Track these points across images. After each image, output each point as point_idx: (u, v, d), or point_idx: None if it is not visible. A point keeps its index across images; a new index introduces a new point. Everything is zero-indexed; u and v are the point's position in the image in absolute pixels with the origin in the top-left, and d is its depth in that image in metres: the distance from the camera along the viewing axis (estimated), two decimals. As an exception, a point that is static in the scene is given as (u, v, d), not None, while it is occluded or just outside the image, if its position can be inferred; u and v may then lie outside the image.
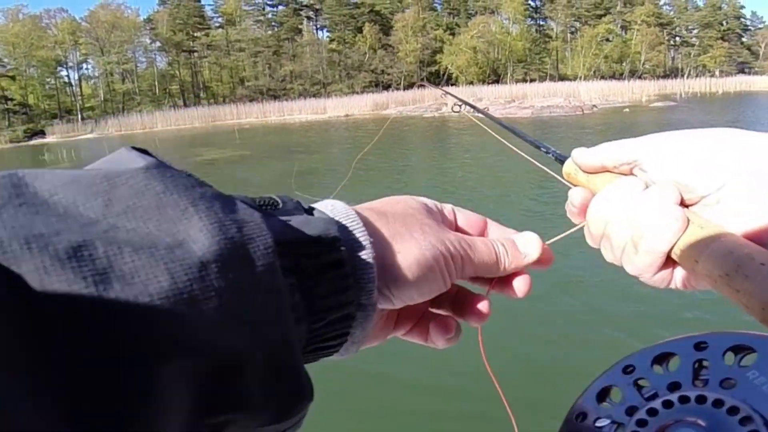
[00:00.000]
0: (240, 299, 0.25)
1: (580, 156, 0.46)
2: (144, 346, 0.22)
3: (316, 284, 0.30)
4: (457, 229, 0.41)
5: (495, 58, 51.17)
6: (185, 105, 46.58)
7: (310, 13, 55.79)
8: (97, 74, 49.54)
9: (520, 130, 0.59)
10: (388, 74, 50.29)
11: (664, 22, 54.43)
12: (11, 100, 42.11)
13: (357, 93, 45.27)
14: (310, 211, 0.33)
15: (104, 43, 46.44)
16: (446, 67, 49.57)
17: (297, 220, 0.31)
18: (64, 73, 48.43)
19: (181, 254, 0.24)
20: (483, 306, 0.40)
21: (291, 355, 0.28)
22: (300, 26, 54.72)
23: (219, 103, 46.72)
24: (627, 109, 28.02)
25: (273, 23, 54.75)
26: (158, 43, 50.09)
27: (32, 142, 36.47)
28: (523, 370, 3.87)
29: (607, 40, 52.54)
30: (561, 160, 0.50)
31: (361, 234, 0.32)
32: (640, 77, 46.95)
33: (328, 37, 56.44)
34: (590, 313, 4.95)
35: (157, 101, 46.87)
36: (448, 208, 0.41)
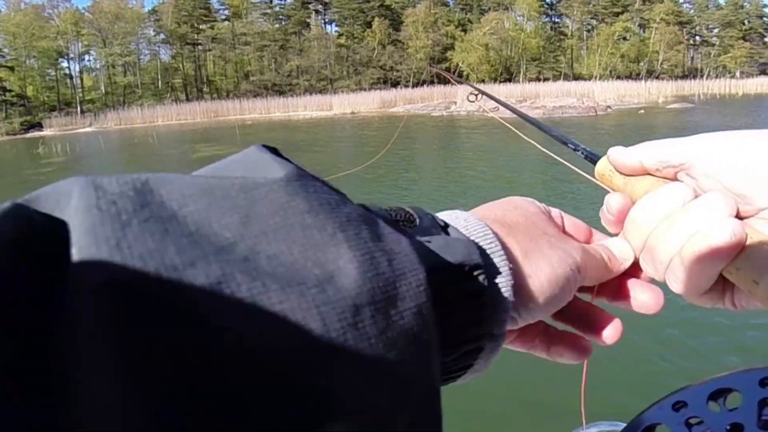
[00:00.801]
0: (392, 349, 0.22)
1: (618, 155, 0.43)
2: (299, 406, 0.19)
3: (453, 315, 0.28)
4: (564, 231, 0.39)
5: (508, 56, 50.48)
6: (188, 99, 46.27)
7: (319, 7, 55.29)
8: (98, 66, 49.33)
9: (545, 124, 0.56)
10: (397, 71, 49.74)
11: (683, 21, 53.51)
12: (9, 91, 41.82)
13: (364, 90, 44.79)
14: (445, 228, 0.31)
15: (107, 35, 46.14)
16: (457, 65, 48.92)
17: (437, 243, 0.28)
18: (65, 64, 48.27)
19: (333, 293, 0.21)
20: (617, 325, 0.38)
21: (435, 405, 0.25)
22: (308, 20, 54.25)
23: (222, 97, 46.39)
24: (642, 111, 27.41)
25: (280, 16, 54.32)
26: (162, 36, 49.78)
27: (29, 134, 36.17)
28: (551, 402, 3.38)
29: (624, 38, 51.74)
30: (593, 159, 0.46)
31: (499, 259, 0.30)
32: (657, 77, 46.19)
33: (336, 31, 55.98)
34: (631, 337, 4.36)
35: (159, 95, 46.58)
36: (555, 213, 0.40)
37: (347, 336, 0.21)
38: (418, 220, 0.30)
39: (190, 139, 25.68)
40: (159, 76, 48.19)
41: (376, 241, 0.24)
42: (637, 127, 20.35)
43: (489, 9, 53.57)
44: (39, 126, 38.42)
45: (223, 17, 54.09)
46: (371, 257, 0.23)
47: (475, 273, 0.28)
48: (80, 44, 47.96)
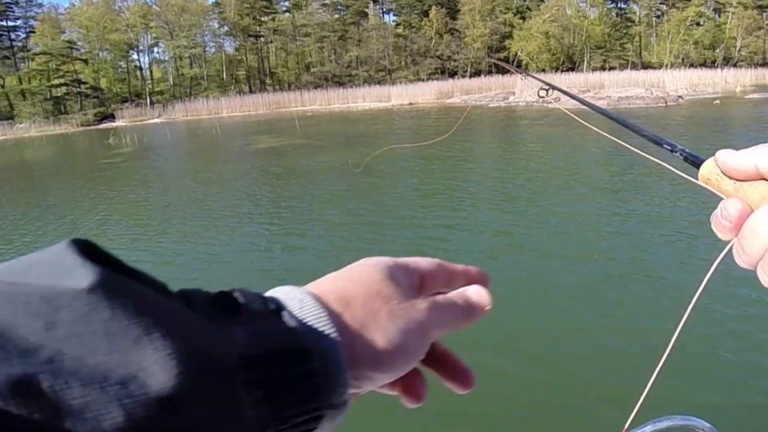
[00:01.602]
0: None
1: (729, 159, 0.41)
2: None
3: (285, 394, 0.29)
4: (422, 285, 0.39)
5: (570, 44, 49.23)
6: (251, 91, 47.61)
7: (377, -4, 55.54)
8: (166, 58, 51.39)
9: (633, 123, 0.52)
10: (455, 60, 49.44)
11: (763, 4, 50.47)
12: (84, 83, 44.24)
13: (422, 80, 44.78)
14: (277, 311, 0.31)
15: (173, 27, 47.96)
16: (516, 54, 48.13)
17: (264, 328, 0.29)
18: (135, 56, 50.56)
19: (135, 389, 0.23)
20: (469, 377, 0.40)
21: None
22: (366, 9, 54.59)
23: (284, 89, 47.44)
24: (718, 101, 26.20)
25: (339, 6, 54.89)
26: (226, 28, 51.29)
27: (102, 125, 38.27)
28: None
29: (698, 24, 49.43)
30: (695, 162, 0.44)
31: (332, 339, 0.31)
32: (734, 65, 43.88)
33: (394, 21, 56.08)
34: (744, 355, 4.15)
35: (223, 87, 48.10)
36: (409, 268, 0.39)
37: (150, 425, 0.23)
38: (244, 304, 0.30)
39: (252, 131, 26.48)
40: (224, 68, 49.73)
41: (185, 339, 0.25)
42: (713, 119, 19.45)
43: (550, -5, 52.28)
44: (111, 117, 40.56)
45: (284, 9, 55.18)
46: (178, 355, 0.24)
47: (307, 354, 0.29)
48: (149, 36, 50.15)
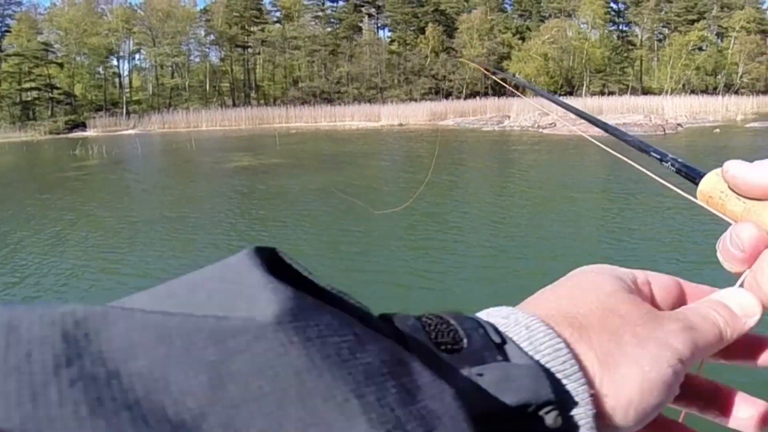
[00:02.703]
0: None
1: (742, 172, 0.34)
2: None
3: None
4: (654, 304, 0.32)
5: (569, 67, 49.22)
6: (234, 104, 47.08)
7: (372, 10, 55.46)
8: (147, 66, 50.84)
9: (615, 127, 0.49)
10: (450, 80, 49.21)
11: (767, 29, 50.87)
12: (56, 88, 43.47)
13: (415, 100, 44.48)
14: (501, 346, 0.25)
15: (157, 33, 47.46)
16: (513, 75, 47.94)
17: (492, 376, 0.23)
18: (114, 62, 49.95)
19: None
20: (753, 407, 0.32)
21: None
22: (360, 23, 54.50)
23: (269, 104, 46.95)
24: (717, 130, 25.99)
25: (332, 20, 54.76)
26: (212, 36, 50.90)
27: (72, 134, 37.37)
28: None
29: (700, 48, 49.66)
30: (692, 175, 0.39)
31: (577, 384, 0.25)
32: (736, 92, 43.96)
33: (388, 37, 56.00)
34: None
35: (205, 99, 47.55)
36: (641, 279, 0.33)
37: None
38: (465, 340, 0.24)
39: (229, 147, 25.86)
40: (207, 79, 49.21)
41: (407, 404, 0.18)
42: (712, 148, 19.13)
43: (549, 16, 52.49)
44: (83, 126, 39.72)
45: (275, 19, 54.94)
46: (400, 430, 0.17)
47: (544, 411, 0.23)
48: (131, 42, 49.59)
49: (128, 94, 47.84)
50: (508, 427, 0.22)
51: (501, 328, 0.25)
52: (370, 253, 8.38)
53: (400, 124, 36.19)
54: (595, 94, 43.99)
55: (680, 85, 46.62)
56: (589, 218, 10.28)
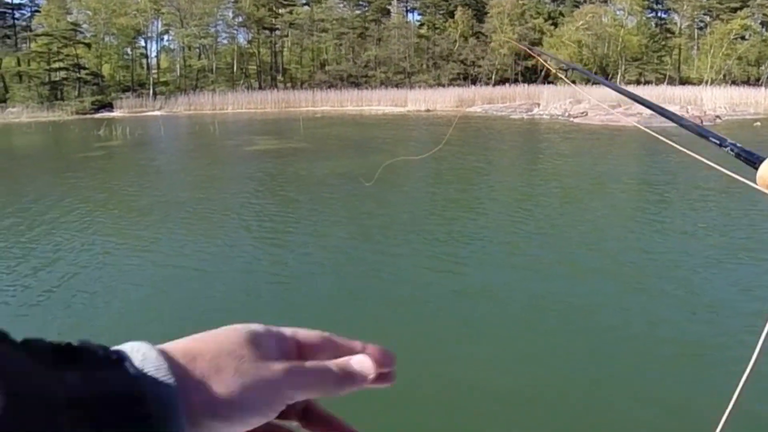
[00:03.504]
0: None
1: None
2: None
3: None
4: (300, 354, 0.41)
5: (603, 55, 48.26)
6: (260, 87, 47.25)
7: (401, -8, 55.05)
8: (174, 47, 51.27)
9: (672, 112, 0.47)
10: (479, 66, 48.68)
11: (815, 20, 49.20)
12: (84, 69, 44.12)
13: (442, 86, 44.14)
14: (118, 361, 0.33)
15: (185, 14, 47.76)
16: (545, 62, 47.16)
17: (99, 374, 0.30)
18: (142, 43, 50.44)
19: None
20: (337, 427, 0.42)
21: None
22: (389, 6, 54.12)
23: (296, 87, 47.04)
24: (758, 123, 25.28)
25: (360, 2, 54.45)
26: (240, 18, 51.07)
27: (98, 115, 37.95)
28: None
29: (743, 38, 48.21)
30: (751, 160, 0.39)
31: (167, 381, 0.33)
32: (780, 84, 42.67)
33: (417, 20, 55.57)
34: None
35: (232, 81, 47.81)
36: (286, 334, 0.42)
37: None
38: (84, 356, 0.31)
39: (253, 130, 26.00)
40: (234, 61, 49.44)
41: (10, 379, 0.25)
42: (751, 143, 18.29)
43: (584, 1, 51.38)
44: (109, 106, 40.31)
45: (303, 1, 54.84)
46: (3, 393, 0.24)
47: (142, 399, 0.30)
48: (159, 23, 50.03)
49: (155, 76, 48.36)
50: (111, 407, 0.29)
51: (125, 354, 0.33)
52: (391, 237, 8.38)
53: (427, 110, 35.98)
54: (630, 83, 43.12)
55: (720, 76, 45.38)
56: (626, 209, 10.13)
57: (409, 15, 56.80)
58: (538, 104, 32.79)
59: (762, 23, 50.07)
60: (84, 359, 0.31)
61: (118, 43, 47.71)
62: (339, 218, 9.82)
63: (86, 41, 45.85)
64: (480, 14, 51.00)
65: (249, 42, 51.63)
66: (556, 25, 50.11)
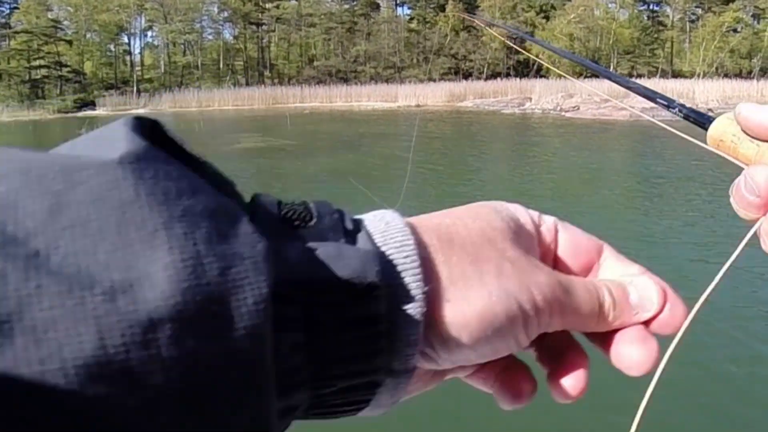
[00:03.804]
0: (197, 380, 0.19)
1: (754, 114, 0.34)
2: None
3: (334, 343, 0.23)
4: (556, 259, 0.32)
5: (596, 48, 48.08)
6: (247, 84, 46.72)
7: (391, -14, 54.63)
8: (158, 44, 50.61)
9: (618, 75, 0.45)
10: (470, 60, 48.39)
11: (807, 12, 49.24)
12: (66, 66, 43.39)
13: (433, 80, 43.85)
14: (352, 233, 0.26)
15: (169, 10, 47.13)
16: (537, 56, 47.00)
17: (325, 250, 0.24)
18: (125, 40, 49.77)
19: (124, 304, 0.18)
20: (579, 377, 0.30)
21: None
22: (378, 0, 53.69)
23: (284, 83, 46.55)
24: (752, 118, 25.08)
25: (350, -5, 54.02)
26: (226, 13, 50.48)
27: (81, 113, 37.23)
28: None
29: (735, 30, 48.17)
30: (700, 120, 0.40)
31: (412, 279, 0.25)
32: (772, 77, 42.65)
33: (407, 15, 55.20)
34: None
35: (218, 77, 47.27)
36: (548, 224, 0.32)
37: (130, 356, 0.17)
38: (315, 220, 0.25)
39: (239, 128, 25.57)
40: (221, 57, 48.88)
41: (214, 243, 0.20)
42: (743, 137, 18.40)
43: (576, -6, 51.18)
44: (92, 104, 39.66)
45: (291, -4, 54.30)
46: (196, 263, 0.19)
47: (373, 292, 0.24)
48: (143, 19, 49.35)
49: (139, 73, 47.72)
50: (332, 299, 0.23)
51: (366, 222, 0.26)
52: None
53: (418, 105, 35.68)
54: (623, 77, 42.90)
55: (713, 69, 45.35)
56: (621, 201, 9.97)
57: (399, 9, 56.48)
58: (530, 98, 32.54)
59: (754, 15, 50.06)
60: (312, 225, 0.25)
61: (101, 40, 46.97)
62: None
63: (67, 38, 45.13)
64: (471, 8, 50.59)
65: (235, 37, 51.08)
66: (548, 18, 49.89)
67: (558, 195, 10.79)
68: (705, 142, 0.39)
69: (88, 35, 46.44)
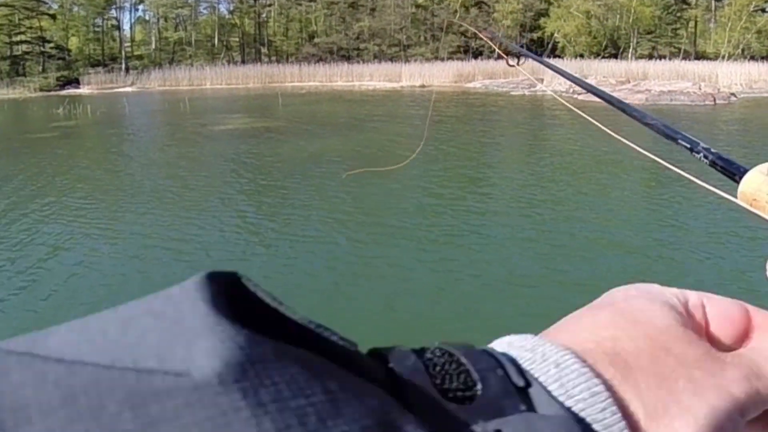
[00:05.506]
0: None
1: None
2: None
3: None
4: (708, 334, 0.28)
5: (614, 27, 47.09)
6: (243, 61, 46.09)
7: (398, -42, 53.65)
8: (148, 18, 50.00)
9: (636, 108, 0.38)
10: (480, 39, 47.42)
11: (842, -9, 48.01)
12: (49, 42, 42.80)
13: (441, 59, 43.08)
14: (524, 390, 0.21)
15: (162, -19, 46.47)
16: (551, 34, 46.12)
17: (514, 430, 0.19)
18: (114, 14, 49.05)
19: None
20: None
21: None
22: (384, -26, 52.85)
23: (282, 61, 45.89)
24: (777, 103, 24.30)
25: (353, -32, 53.14)
26: (221, -14, 49.86)
27: (64, 91, 36.79)
28: None
29: (763, 10, 47.06)
30: (730, 171, 0.34)
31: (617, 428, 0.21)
32: (802, 60, 41.66)
33: (415, -12, 54.26)
34: None
35: (212, 54, 46.61)
36: (694, 302, 0.29)
37: None
38: (479, 385, 0.20)
39: (227, 108, 25.07)
40: (215, 33, 48.21)
41: None
42: (768, 125, 17.70)
43: (594, -31, 50.12)
44: (77, 83, 39.13)
45: (291, -33, 53.48)
46: None
47: None
48: (133, -7, 48.72)
49: (128, 49, 47.09)
50: None
51: (525, 365, 0.22)
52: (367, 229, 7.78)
53: (422, 86, 35.08)
54: (642, 57, 42.09)
55: (739, 50, 44.34)
56: (630, 201, 9.52)
57: (406, -17, 55.54)
58: (542, 80, 31.74)
59: (785, -7, 48.93)
60: (480, 398, 0.20)
61: (87, 14, 46.30)
62: (313, 205, 9.26)
63: (51, 12, 44.48)
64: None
65: (231, 12, 50.36)
66: (563, -7, 48.93)
67: (575, 182, 10.54)
68: (735, 195, 0.32)
69: (74, 9, 45.80)
